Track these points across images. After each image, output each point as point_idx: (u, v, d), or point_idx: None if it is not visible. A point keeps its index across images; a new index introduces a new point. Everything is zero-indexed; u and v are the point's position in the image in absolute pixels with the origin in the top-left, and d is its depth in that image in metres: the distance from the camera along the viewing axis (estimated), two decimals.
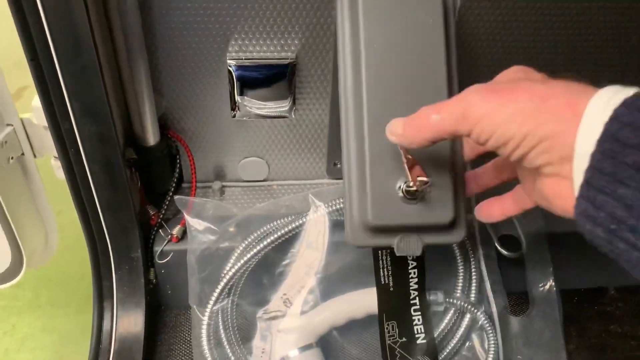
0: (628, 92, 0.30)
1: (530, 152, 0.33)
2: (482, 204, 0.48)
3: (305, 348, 0.57)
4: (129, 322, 0.62)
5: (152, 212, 0.65)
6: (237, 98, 0.60)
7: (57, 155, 0.54)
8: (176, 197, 0.61)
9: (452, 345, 0.61)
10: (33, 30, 0.45)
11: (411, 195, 0.43)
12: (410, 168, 0.42)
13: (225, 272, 0.59)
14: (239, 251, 0.59)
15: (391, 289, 0.57)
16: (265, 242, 0.58)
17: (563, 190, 0.34)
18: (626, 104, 0.29)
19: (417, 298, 0.57)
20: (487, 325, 0.60)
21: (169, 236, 0.64)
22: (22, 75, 0.58)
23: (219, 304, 0.59)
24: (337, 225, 0.58)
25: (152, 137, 0.60)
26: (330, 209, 0.58)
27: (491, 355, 0.60)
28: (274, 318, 0.59)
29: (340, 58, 0.46)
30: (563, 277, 0.63)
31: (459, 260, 0.61)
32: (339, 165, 0.68)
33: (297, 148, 0.67)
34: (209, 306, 0.58)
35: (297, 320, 0.58)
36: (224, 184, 0.70)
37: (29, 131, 0.60)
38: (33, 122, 0.59)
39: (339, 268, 0.59)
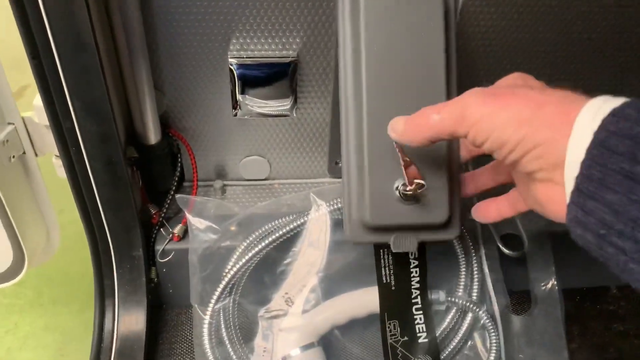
0: (617, 102, 0.31)
1: (524, 157, 0.34)
2: (479, 205, 0.49)
3: (307, 347, 0.57)
4: (131, 320, 0.62)
5: (153, 211, 0.65)
6: (239, 97, 0.60)
7: (58, 154, 0.55)
8: (177, 195, 0.61)
9: (454, 344, 0.60)
10: (34, 28, 0.45)
11: (408, 197, 0.45)
12: (408, 169, 0.43)
13: (226, 271, 0.59)
14: (240, 250, 0.59)
15: (393, 287, 0.57)
16: (266, 241, 0.58)
17: (555, 195, 0.35)
18: (614, 113, 0.30)
19: (418, 297, 0.57)
20: (489, 324, 0.60)
21: (170, 235, 0.64)
22: (24, 74, 0.58)
23: (221, 302, 0.59)
24: (338, 224, 0.58)
25: (153, 135, 0.60)
26: (332, 208, 0.58)
27: (493, 354, 0.60)
28: (275, 317, 0.59)
29: (341, 58, 0.46)
30: (565, 276, 0.63)
31: (461, 259, 0.61)
32: (340, 164, 0.68)
33: (299, 147, 0.67)
34: (211, 305, 0.58)
35: (298, 319, 0.58)
36: (226, 182, 0.70)
37: (31, 130, 0.60)
38: (34, 120, 0.59)
39: (340, 267, 0.59)
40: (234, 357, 0.58)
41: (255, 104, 0.61)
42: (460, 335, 0.61)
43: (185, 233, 0.64)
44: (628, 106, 0.30)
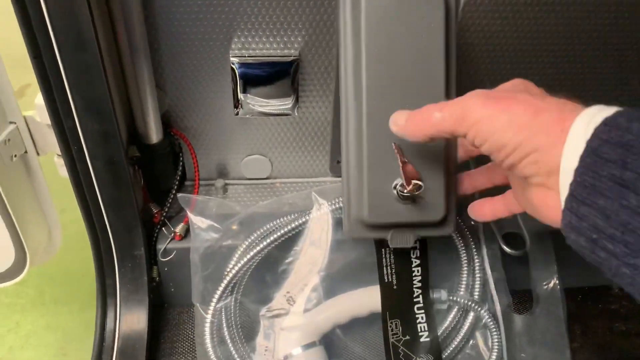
0: (609, 111, 0.32)
1: (520, 161, 0.35)
2: (474, 203, 0.51)
3: (309, 346, 0.57)
4: (132, 319, 0.62)
5: (155, 210, 0.65)
6: (240, 95, 0.60)
7: (60, 153, 0.55)
8: (179, 195, 0.61)
9: (456, 343, 0.60)
10: (36, 27, 0.45)
11: (405, 196, 0.46)
12: (405, 169, 0.43)
13: (228, 270, 0.58)
14: (242, 249, 0.59)
15: (394, 287, 0.57)
16: (268, 240, 0.58)
17: (549, 200, 0.36)
18: (606, 122, 0.31)
19: (420, 296, 0.57)
20: (491, 323, 0.60)
21: (172, 234, 0.64)
22: (25, 73, 0.58)
23: (222, 301, 0.59)
24: (340, 223, 0.58)
25: (155, 134, 0.60)
26: (334, 207, 0.58)
27: (495, 354, 0.60)
28: (277, 316, 0.59)
29: (342, 58, 0.47)
30: (567, 275, 0.63)
31: (463, 258, 0.61)
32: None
33: (300, 146, 0.67)
34: (212, 304, 0.58)
35: (300, 318, 0.58)
36: (227, 181, 0.70)
37: (32, 129, 0.60)
38: (36, 119, 0.59)
39: (342, 266, 0.59)
40: (236, 356, 0.58)
41: (257, 102, 0.61)
42: (462, 334, 0.61)
43: (186, 232, 0.64)
44: (620, 115, 0.31)
